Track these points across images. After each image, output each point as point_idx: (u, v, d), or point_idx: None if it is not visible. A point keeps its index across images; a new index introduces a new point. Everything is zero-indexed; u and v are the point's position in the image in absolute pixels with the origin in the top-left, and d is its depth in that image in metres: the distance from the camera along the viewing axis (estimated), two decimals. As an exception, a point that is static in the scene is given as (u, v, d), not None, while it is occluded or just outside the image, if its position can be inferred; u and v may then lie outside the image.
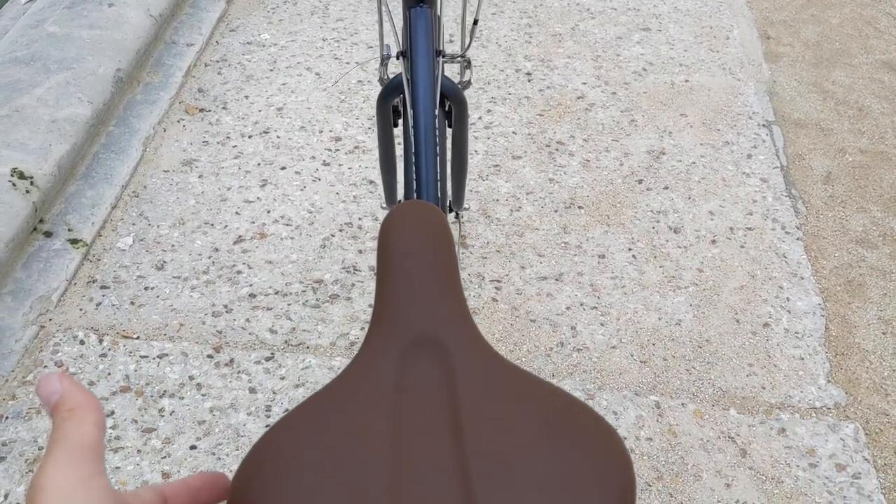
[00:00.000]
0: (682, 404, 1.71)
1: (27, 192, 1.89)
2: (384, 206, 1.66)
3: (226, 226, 2.06)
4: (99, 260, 1.95)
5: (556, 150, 2.34)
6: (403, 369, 0.50)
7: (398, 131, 1.63)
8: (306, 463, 0.47)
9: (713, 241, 2.08)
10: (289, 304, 1.88)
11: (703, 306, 1.92)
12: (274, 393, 1.69)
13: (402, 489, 0.44)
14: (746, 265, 2.02)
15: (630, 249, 2.05)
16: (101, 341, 1.76)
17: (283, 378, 1.72)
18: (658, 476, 1.58)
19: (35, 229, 1.93)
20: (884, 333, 1.88)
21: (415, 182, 0.98)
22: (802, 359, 1.80)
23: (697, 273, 2.00)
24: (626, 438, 1.64)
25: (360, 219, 2.10)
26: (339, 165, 2.26)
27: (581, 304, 1.91)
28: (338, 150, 2.31)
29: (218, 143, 2.32)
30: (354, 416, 0.48)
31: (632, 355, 1.80)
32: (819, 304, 1.93)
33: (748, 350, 1.82)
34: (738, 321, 1.89)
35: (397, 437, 0.46)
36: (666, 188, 2.24)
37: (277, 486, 0.46)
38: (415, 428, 0.47)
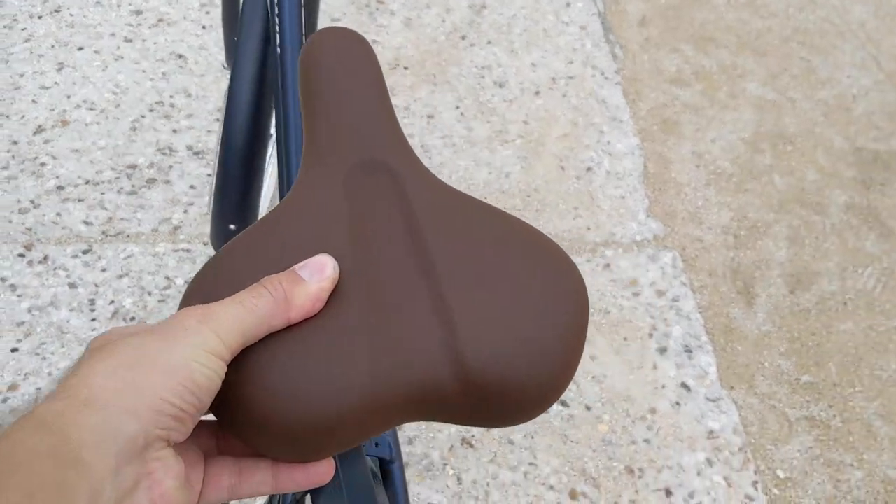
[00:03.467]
0: (515, 252, 1.76)
1: None
2: (225, 65, 1.56)
3: (22, 116, 1.89)
4: None
5: (377, 9, 2.26)
6: (353, 194, 0.48)
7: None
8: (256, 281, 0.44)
9: (537, 93, 2.11)
10: (102, 193, 1.76)
11: (529, 157, 1.95)
12: (96, 286, 1.60)
13: (371, 305, 0.43)
14: (569, 113, 2.07)
15: (458, 107, 2.04)
16: None
17: (104, 270, 1.63)
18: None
19: None
20: (697, 166, 1.98)
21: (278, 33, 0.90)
22: (623, 197, 1.89)
23: (523, 125, 2.02)
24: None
25: (171, 96, 1.97)
26: (143, 41, 2.09)
27: (411, 165, 1.90)
28: (139, 24, 2.13)
29: (4, 26, 2.09)
30: (307, 238, 0.45)
31: (464, 210, 1.82)
32: (637, 145, 2.01)
33: (573, 195, 1.88)
34: (562, 168, 1.94)
35: (360, 256, 0.44)
36: (489, 43, 2.22)
37: None
38: (376, 247, 0.45)
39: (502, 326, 0.44)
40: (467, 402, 0.44)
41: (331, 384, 0.42)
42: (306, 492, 0.71)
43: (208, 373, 0.37)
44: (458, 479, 1.42)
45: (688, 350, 1.63)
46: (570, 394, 1.54)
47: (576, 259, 1.75)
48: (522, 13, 2.32)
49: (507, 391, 0.44)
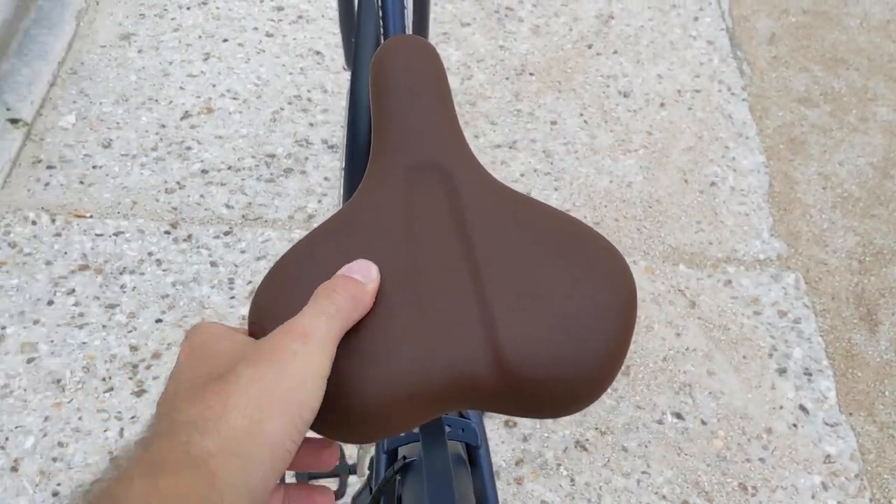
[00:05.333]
0: (634, 262, 1.78)
1: (-43, 69, 1.80)
2: (345, 67, 1.63)
3: (171, 101, 2.01)
4: (42, 139, 1.88)
5: (506, 15, 2.30)
6: (410, 195, 0.51)
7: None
8: (310, 289, 0.48)
9: (662, 105, 2.11)
10: (243, 179, 1.86)
11: (652, 168, 1.96)
12: (236, 266, 1.69)
13: (421, 306, 0.47)
14: (694, 127, 2.06)
15: (581, 115, 2.07)
16: (53, 221, 1.73)
17: (243, 252, 1.72)
18: (613, 329, 1.66)
19: (-30, 109, 1.85)
20: (823, 188, 1.96)
21: (382, 32, 0.96)
22: (747, 214, 1.88)
23: (647, 136, 2.03)
24: (581, 296, 1.71)
25: (308, 91, 2.06)
26: (284, 36, 2.19)
27: (535, 171, 1.93)
28: (280, 19, 2.23)
29: (155, 15, 2.22)
30: (365, 239, 0.49)
31: (585, 217, 1.85)
32: (763, 163, 1.99)
33: (696, 208, 1.89)
34: (686, 181, 1.94)
35: (410, 256, 0.48)
36: (615, 52, 2.24)
37: (291, 311, 0.48)
38: (426, 246, 0.49)
39: (543, 325, 0.46)
40: (507, 394, 0.47)
41: (379, 376, 0.45)
42: (396, 472, 0.75)
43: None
44: (572, 480, 1.44)
45: (807, 373, 1.61)
46: (685, 407, 1.55)
47: (696, 273, 1.75)
48: (650, 25, 2.32)
49: (544, 387, 0.46)
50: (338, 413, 0.45)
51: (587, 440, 1.49)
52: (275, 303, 0.48)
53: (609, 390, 1.56)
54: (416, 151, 0.54)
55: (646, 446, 1.50)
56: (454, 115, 0.57)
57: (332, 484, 1.32)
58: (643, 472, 1.46)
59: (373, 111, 0.58)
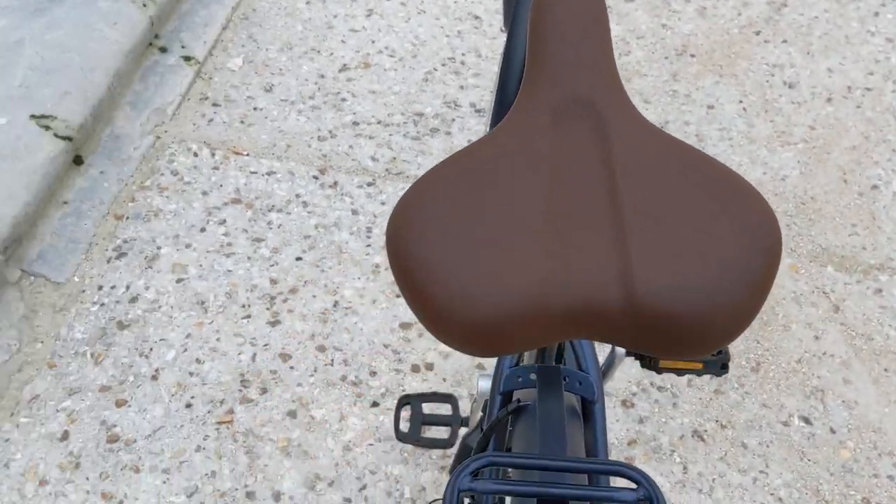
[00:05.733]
0: (779, 258, 1.70)
1: (144, 5, 1.93)
2: (503, 29, 1.64)
3: (331, 53, 2.08)
4: (210, 78, 2.00)
5: (671, -5, 2.24)
6: (557, 126, 0.52)
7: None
8: (456, 206, 0.49)
9: (828, 100, 2.00)
10: (390, 135, 1.91)
11: (811, 164, 1.87)
12: (374, 216, 1.74)
13: (556, 232, 0.47)
14: (861, 126, 1.95)
15: (741, 102, 1.99)
16: (213, 155, 1.83)
17: (383, 203, 1.77)
18: (747, 323, 1.60)
19: (151, 44, 1.98)
20: None
21: None
22: (910, 223, 1.76)
23: (809, 130, 1.93)
24: (717, 285, 1.66)
25: (463, 54, 2.08)
26: (446, -1, 2.22)
27: (683, 153, 1.88)
28: (445, -17, 2.26)
29: (325, -30, 2.30)
30: (507, 166, 0.50)
31: (731, 207, 1.78)
32: (935, 170, 1.86)
33: (853, 211, 1.78)
34: (845, 181, 1.83)
35: (552, 188, 0.49)
36: (784, 41, 2.13)
37: (428, 230, 0.49)
38: (569, 181, 0.49)
39: (678, 264, 0.45)
40: (632, 329, 0.46)
41: (504, 287, 0.45)
42: (509, 413, 0.75)
43: None
44: (685, 468, 1.41)
45: (957, 396, 1.51)
46: (815, 412, 1.48)
47: (845, 278, 1.66)
48: (825, 16, 2.20)
49: (674, 323, 0.44)
50: (465, 324, 0.46)
51: (706, 431, 1.46)
52: (414, 213, 0.49)
53: (736, 385, 1.51)
54: (568, 85, 0.54)
55: (767, 446, 1.44)
56: (611, 55, 0.57)
57: (443, 433, 1.35)
58: (761, 472, 1.41)
59: (528, 45, 0.59)
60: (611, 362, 1.01)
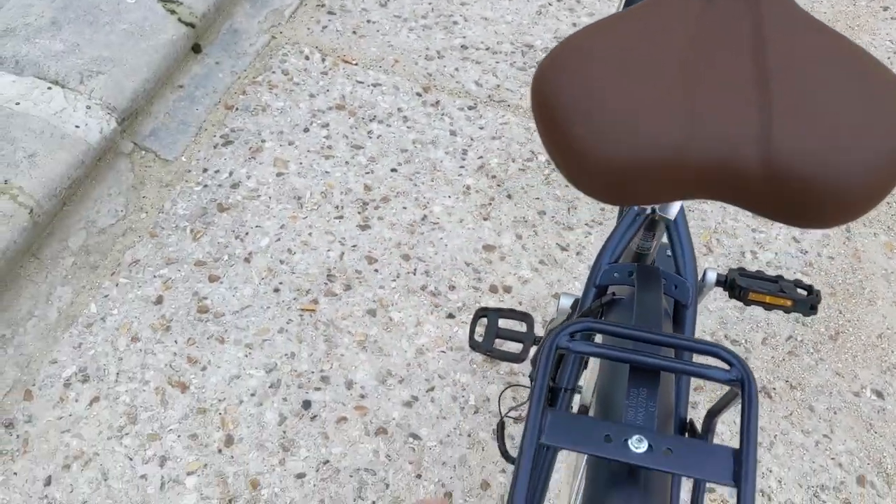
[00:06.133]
0: (875, 234, 1.67)
1: None
2: None
3: (448, -23, 2.09)
4: (328, -13, 2.03)
5: (800, -42, 2.18)
6: (707, 6, 0.53)
7: None
8: (603, 59, 0.51)
9: (951, 83, 1.93)
10: (497, 62, 1.92)
11: (921, 145, 1.81)
12: (472, 139, 1.77)
13: (700, 89, 0.49)
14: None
15: (856, 74, 1.94)
16: (323, 60, 1.88)
17: (482, 128, 1.79)
18: (832, 292, 1.58)
19: (276, -53, 2.02)
20: None
21: None
22: None
23: (925, 111, 1.87)
24: (806, 253, 1.64)
25: (580, -7, 2.07)
26: (569, -63, 2.20)
27: (790, 118, 1.85)
28: (570, -80, 2.24)
29: None
30: (657, 26, 0.52)
31: (832, 177, 1.75)
32: None
33: (960, 197, 1.73)
34: (956, 167, 1.78)
35: (699, 49, 0.50)
36: (913, 19, 2.06)
37: (574, 77, 0.51)
38: (717, 44, 0.51)
39: (819, 129, 0.45)
40: (768, 191, 0.47)
41: (644, 136, 0.46)
42: (602, 305, 0.76)
43: None
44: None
45: None
46: (889, 388, 1.47)
47: (940, 262, 1.63)
48: (961, -2, 2.11)
49: (808, 189, 0.45)
50: (602, 168, 0.49)
51: (774, 389, 1.46)
52: (562, 62, 0.51)
53: (811, 349, 1.50)
54: None
55: (834, 412, 1.44)
56: None
57: (515, 348, 1.38)
58: (824, 436, 1.41)
59: None
60: (699, 290, 1.02)
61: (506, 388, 1.40)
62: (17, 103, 1.53)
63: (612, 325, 0.60)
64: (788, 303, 0.99)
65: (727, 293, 1.00)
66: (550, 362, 0.56)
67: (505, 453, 1.19)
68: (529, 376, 1.18)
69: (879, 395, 1.46)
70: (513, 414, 1.39)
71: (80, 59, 1.63)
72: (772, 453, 1.38)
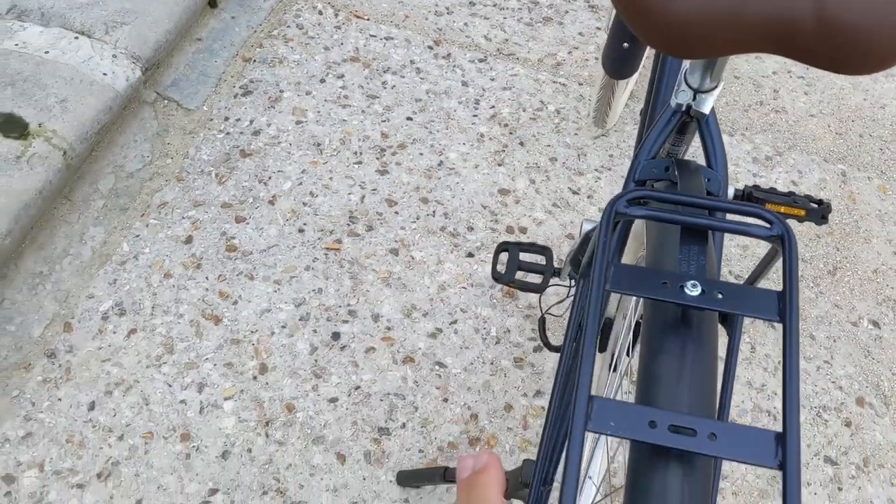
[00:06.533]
0: (869, 178, 1.76)
1: None
2: None
3: (454, -62, 2.14)
4: (338, -54, 2.08)
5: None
6: None
7: None
8: None
9: (938, 39, 2.02)
10: (504, 18, 1.98)
11: (911, 96, 1.90)
12: (483, 90, 1.83)
13: None
14: (968, 67, 1.97)
15: (848, 30, 2.02)
16: (336, 15, 1.93)
17: (492, 80, 1.85)
18: (829, 230, 1.66)
19: None
20: None
21: None
22: None
23: (914, 65, 1.96)
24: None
25: (582, -47, 2.13)
26: None
27: (788, 72, 1.92)
28: None
29: None
30: None
31: (829, 126, 1.83)
32: None
33: (948, 144, 1.82)
34: (944, 116, 1.87)
35: None
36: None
37: None
38: None
39: None
40: (819, 41, 0.54)
41: None
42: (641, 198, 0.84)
43: None
44: (753, 347, 1.50)
45: None
46: (885, 319, 1.55)
47: (930, 203, 1.72)
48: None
49: (855, 39, 0.52)
50: (662, 23, 0.56)
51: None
52: None
53: (811, 283, 1.58)
54: None
55: (834, 341, 1.52)
56: None
57: (536, 279, 1.45)
58: (825, 362, 1.49)
59: None
60: None
61: (543, 314, 1.47)
62: (46, 52, 1.57)
63: (664, 193, 0.67)
64: (802, 212, 1.06)
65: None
66: (610, 227, 0.63)
67: (547, 343, 1.26)
68: (569, 275, 1.25)
69: (876, 324, 1.55)
70: (554, 311, 1.47)
71: (104, 10, 1.67)
72: (776, 378, 1.46)
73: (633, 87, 1.85)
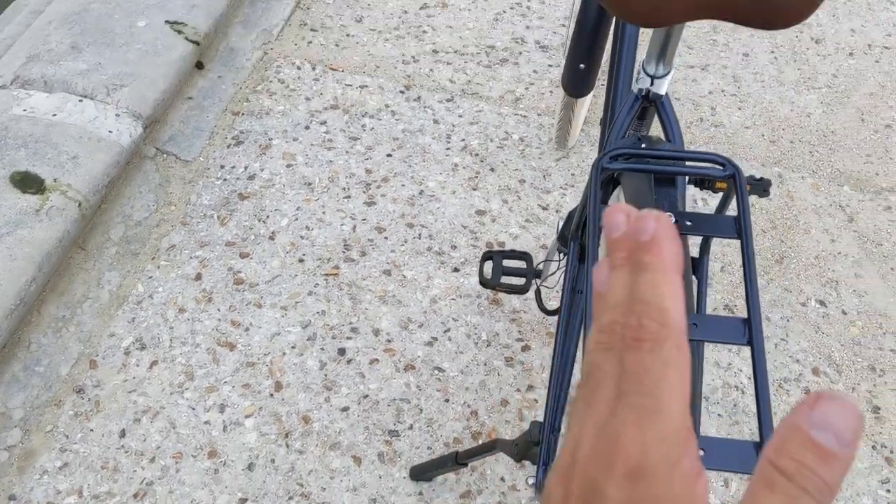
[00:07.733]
0: (802, 177, 1.97)
1: (255, -60, 2.21)
2: None
3: (412, -6, 2.35)
4: (308, 9, 2.27)
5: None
6: None
7: None
8: None
9: (850, 54, 2.27)
10: (465, 62, 2.18)
11: (832, 105, 2.13)
12: (453, 126, 2.01)
13: None
14: (878, 77, 2.21)
15: (773, 52, 2.26)
16: (313, 69, 2.11)
17: (460, 116, 2.04)
18: (772, 226, 1.86)
19: (258, -25, 2.26)
20: None
21: None
22: (918, 155, 2.02)
23: (832, 77, 2.20)
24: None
25: (529, 0, 2.35)
26: (514, -46, 2.49)
27: (722, 91, 2.15)
28: (513, -60, 2.53)
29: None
30: None
31: (763, 135, 2.05)
32: (942, 116, 2.12)
33: (868, 144, 2.05)
34: (863, 120, 2.10)
35: None
36: (813, 5, 2.40)
37: None
38: None
39: None
40: (755, 8, 0.72)
41: None
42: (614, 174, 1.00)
43: None
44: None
45: (951, 292, 1.76)
46: (830, 297, 1.74)
47: (859, 196, 1.93)
48: (851, -14, 2.47)
49: (776, 6, 0.71)
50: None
51: (735, 306, 1.72)
52: None
53: (762, 272, 1.77)
54: None
55: (787, 321, 1.70)
56: None
57: (519, 282, 1.61)
58: (781, 339, 1.67)
59: None
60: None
61: (538, 286, 1.62)
62: (54, 115, 1.72)
63: (640, 149, 0.84)
64: (748, 187, 1.25)
65: (697, 187, 1.26)
66: (598, 180, 0.80)
67: (544, 309, 1.41)
68: (558, 250, 1.40)
69: (822, 303, 1.73)
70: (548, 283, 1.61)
71: (104, 75, 1.82)
72: (740, 356, 1.63)
73: (587, 114, 2.05)
